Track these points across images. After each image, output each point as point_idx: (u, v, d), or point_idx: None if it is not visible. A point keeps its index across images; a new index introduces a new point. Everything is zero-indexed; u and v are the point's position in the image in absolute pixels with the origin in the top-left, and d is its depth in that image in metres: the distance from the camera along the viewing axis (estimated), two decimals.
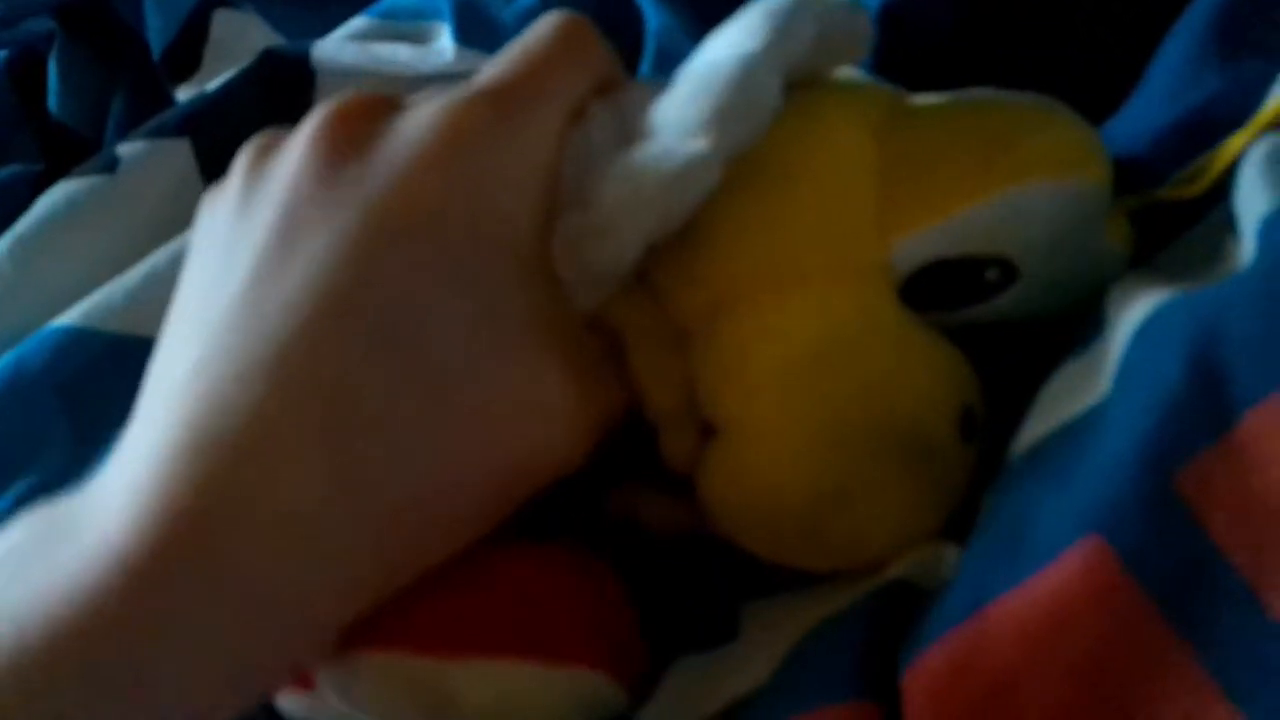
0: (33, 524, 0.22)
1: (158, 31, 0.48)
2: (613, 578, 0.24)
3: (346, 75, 0.43)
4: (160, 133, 0.43)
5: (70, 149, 0.54)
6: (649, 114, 0.23)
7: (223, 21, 0.46)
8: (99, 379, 0.38)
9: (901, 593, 0.22)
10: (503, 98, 0.23)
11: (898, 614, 0.21)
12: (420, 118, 0.22)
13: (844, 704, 0.20)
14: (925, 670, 0.19)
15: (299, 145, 0.23)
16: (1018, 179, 0.22)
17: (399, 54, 0.45)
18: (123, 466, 0.22)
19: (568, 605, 0.22)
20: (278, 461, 0.20)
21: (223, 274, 0.23)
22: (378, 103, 0.23)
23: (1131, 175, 0.24)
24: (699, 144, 0.21)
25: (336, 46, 0.45)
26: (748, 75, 0.22)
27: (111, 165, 0.43)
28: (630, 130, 0.23)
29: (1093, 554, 0.17)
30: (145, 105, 0.52)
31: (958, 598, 0.19)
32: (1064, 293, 0.23)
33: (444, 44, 0.47)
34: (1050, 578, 0.17)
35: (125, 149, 0.43)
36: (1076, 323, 0.22)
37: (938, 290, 0.23)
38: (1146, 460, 0.17)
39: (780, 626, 0.23)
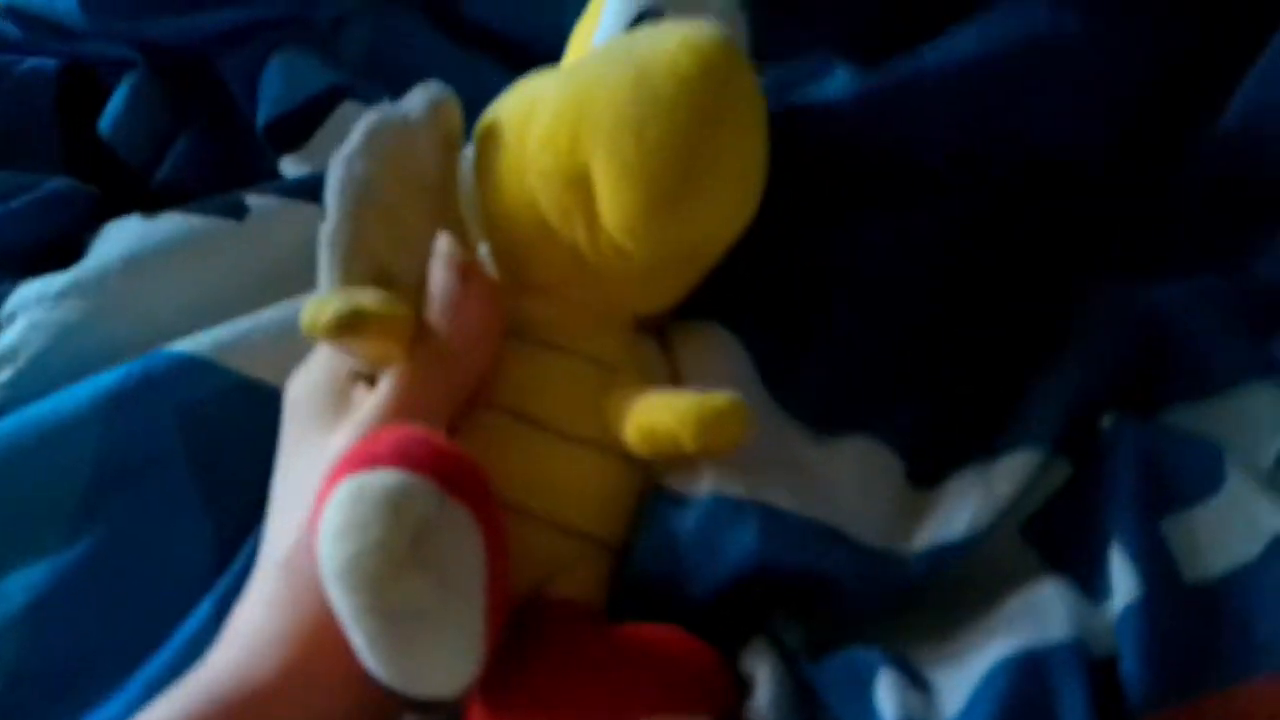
0: None
1: (274, 97, 0.50)
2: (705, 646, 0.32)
3: None
4: (293, 194, 0.46)
5: (105, 171, 0.55)
6: None
7: (348, 111, 0.50)
8: (221, 414, 0.40)
9: None
10: None
11: None
12: None
13: None
14: None
15: None
16: None
17: None
18: None
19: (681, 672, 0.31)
20: None
21: None
22: None
23: None
24: None
25: None
26: None
27: (239, 211, 0.46)
28: None
29: None
30: (212, 153, 0.54)
31: None
32: None
33: None
34: None
35: (255, 200, 0.46)
36: None
37: None
38: None
39: None
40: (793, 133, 0.35)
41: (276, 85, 0.51)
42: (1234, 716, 0.28)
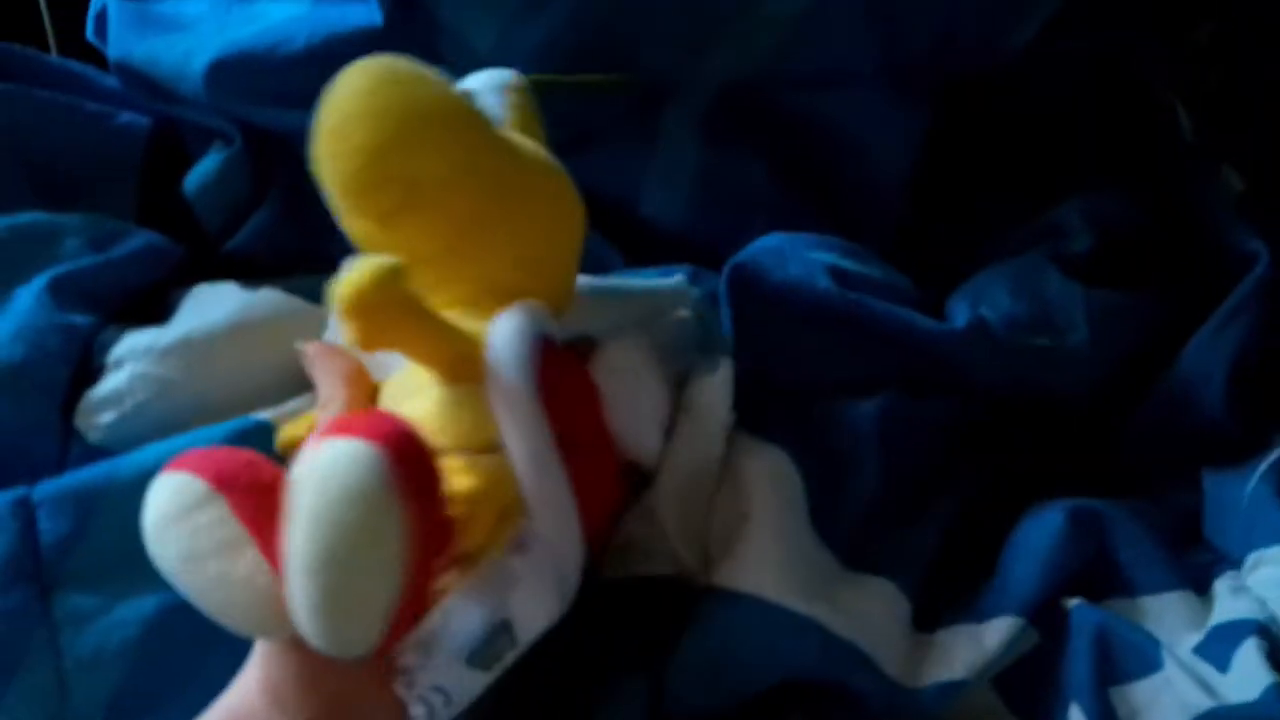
0: None
1: None
2: None
3: None
4: None
5: (176, 228, 0.59)
6: None
7: None
8: None
9: None
10: None
11: None
12: None
13: None
14: None
15: None
16: None
17: None
18: None
19: None
20: None
21: None
22: None
23: None
24: None
25: None
26: None
27: None
28: None
29: None
30: (288, 231, 0.59)
31: None
32: None
33: None
34: None
35: None
36: None
37: None
38: None
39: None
40: (899, 340, 0.45)
41: None
42: None
